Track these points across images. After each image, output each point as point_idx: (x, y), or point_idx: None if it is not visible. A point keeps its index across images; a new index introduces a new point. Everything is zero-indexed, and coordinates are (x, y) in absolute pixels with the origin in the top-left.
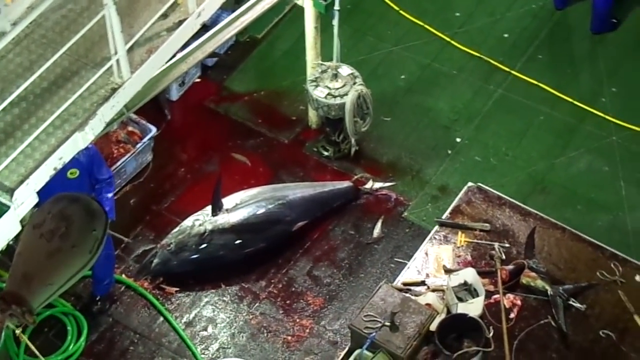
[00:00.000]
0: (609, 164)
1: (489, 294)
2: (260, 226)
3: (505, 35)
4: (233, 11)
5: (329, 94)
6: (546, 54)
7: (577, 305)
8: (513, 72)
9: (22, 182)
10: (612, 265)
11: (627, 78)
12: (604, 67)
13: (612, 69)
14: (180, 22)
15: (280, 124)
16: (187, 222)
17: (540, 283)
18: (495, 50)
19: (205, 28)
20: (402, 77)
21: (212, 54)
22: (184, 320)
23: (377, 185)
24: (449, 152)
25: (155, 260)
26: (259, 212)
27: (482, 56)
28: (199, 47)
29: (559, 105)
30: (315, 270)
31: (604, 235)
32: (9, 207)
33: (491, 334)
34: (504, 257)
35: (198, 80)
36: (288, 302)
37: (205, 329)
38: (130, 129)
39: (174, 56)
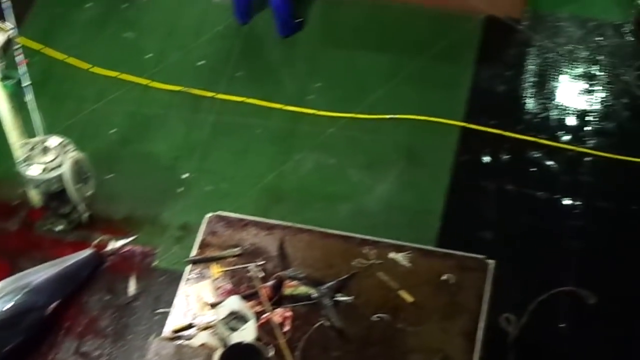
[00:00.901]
0: (334, 155)
1: (258, 315)
2: (11, 321)
3: (201, 63)
4: None
5: (44, 169)
6: (245, 70)
7: (344, 298)
8: (218, 95)
9: None
10: (365, 251)
11: (326, 70)
12: (302, 66)
13: (311, 66)
14: None
15: (3, 213)
16: None
17: (303, 289)
18: (196, 80)
19: None
20: (113, 131)
21: None
22: None
23: (119, 243)
24: (179, 190)
25: None
26: (6, 307)
27: (184, 89)
28: None
29: (271, 114)
30: (82, 347)
31: (349, 224)
32: None
33: (272, 353)
34: (262, 275)
35: None
36: None
37: None
38: None
39: None
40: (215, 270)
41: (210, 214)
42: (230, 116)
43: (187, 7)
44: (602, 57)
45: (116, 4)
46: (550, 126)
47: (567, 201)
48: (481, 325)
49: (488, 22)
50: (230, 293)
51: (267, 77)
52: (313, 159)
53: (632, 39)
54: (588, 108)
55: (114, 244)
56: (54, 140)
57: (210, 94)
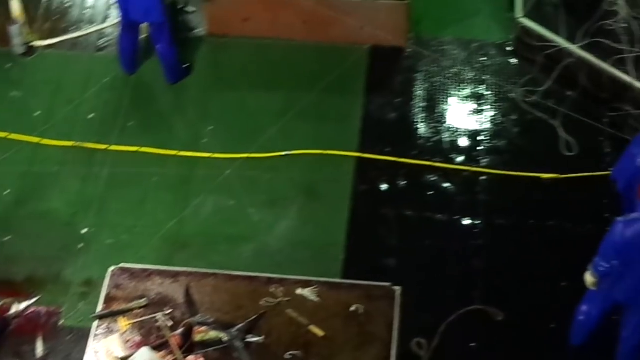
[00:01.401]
0: (233, 197)
1: None
2: None
3: (91, 116)
4: None
5: None
6: (136, 119)
7: (255, 339)
8: (111, 147)
9: None
10: (272, 290)
11: (218, 113)
12: (193, 111)
13: (202, 109)
14: None
15: None
16: None
17: (213, 334)
18: (88, 133)
19: None
20: (7, 192)
21: None
22: None
23: (23, 305)
24: (80, 246)
25: None
26: None
27: (76, 144)
28: None
29: (166, 162)
30: None
31: (254, 264)
32: None
33: None
34: (170, 324)
35: None
36: None
37: None
38: None
39: None
40: (123, 323)
41: (113, 267)
42: (125, 167)
43: (72, 62)
44: (488, 77)
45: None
46: (444, 149)
47: (466, 221)
48: (393, 352)
49: (373, 52)
50: (140, 345)
51: (160, 124)
52: (212, 202)
53: (515, 57)
54: (479, 128)
55: (18, 307)
56: None
57: (103, 147)
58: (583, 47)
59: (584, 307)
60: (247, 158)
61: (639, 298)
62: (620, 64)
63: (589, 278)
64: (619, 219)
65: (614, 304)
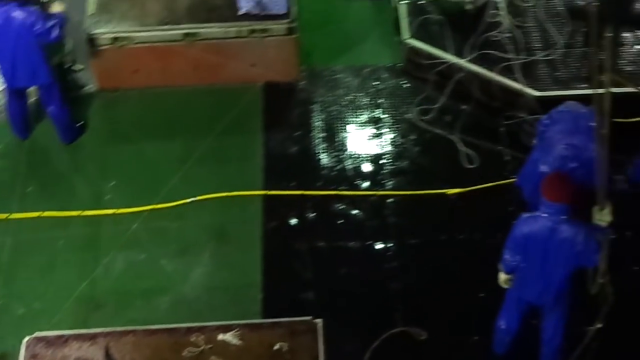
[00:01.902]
0: (143, 250)
1: None
2: None
3: None
4: None
5: None
6: (35, 184)
7: None
8: (12, 216)
9: None
10: (193, 339)
11: (118, 167)
12: (92, 168)
13: (101, 166)
14: None
15: None
16: None
17: None
18: None
19: None
20: None
21: None
22: None
23: None
24: None
25: None
26: None
27: None
28: None
29: (70, 223)
30: None
31: (173, 315)
32: None
33: None
34: None
35: None
36: None
37: None
38: None
39: None
40: None
41: (27, 338)
42: (29, 233)
43: None
44: (382, 100)
45: None
46: (348, 176)
47: (379, 245)
48: None
49: (267, 88)
50: None
51: (59, 186)
52: (122, 258)
53: (407, 78)
54: (380, 151)
55: None
56: None
57: (3, 216)
58: (471, 61)
59: (503, 315)
60: (153, 209)
61: (546, 298)
62: (509, 73)
63: (501, 276)
64: (524, 214)
65: (530, 307)
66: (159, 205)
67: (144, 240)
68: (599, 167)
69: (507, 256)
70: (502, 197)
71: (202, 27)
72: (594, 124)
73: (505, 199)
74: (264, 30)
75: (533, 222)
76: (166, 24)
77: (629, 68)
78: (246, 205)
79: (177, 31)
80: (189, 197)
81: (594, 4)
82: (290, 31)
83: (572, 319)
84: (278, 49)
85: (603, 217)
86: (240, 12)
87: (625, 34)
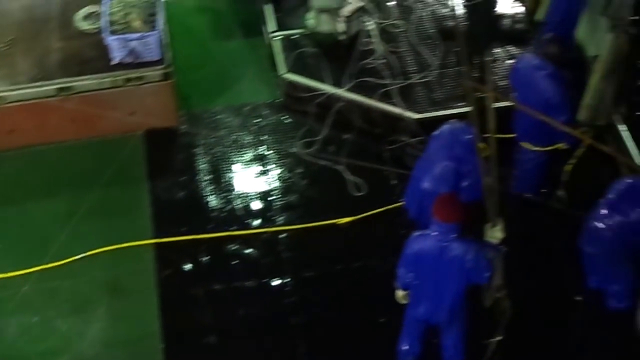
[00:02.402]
0: (36, 312)
1: None
2: None
3: None
4: None
5: None
6: None
7: None
8: None
9: None
10: None
11: (2, 230)
12: None
13: None
14: None
15: None
16: None
17: None
18: None
19: None
20: None
21: None
22: None
23: None
24: None
25: None
26: None
27: None
28: None
29: None
30: None
31: None
32: None
33: None
34: None
35: None
36: None
37: None
38: None
39: None
40: None
41: None
42: None
43: None
44: (266, 137)
45: None
46: (239, 216)
47: (276, 282)
48: None
49: (149, 136)
50: None
51: None
52: (15, 323)
53: (288, 112)
54: (268, 188)
55: None
56: None
57: None
58: (350, 90)
59: (404, 338)
60: (43, 269)
61: (440, 316)
62: (387, 98)
63: (398, 292)
64: (415, 232)
65: (428, 326)
66: (49, 265)
67: (36, 302)
68: (485, 185)
69: (400, 274)
70: (393, 221)
71: (76, 81)
72: (472, 139)
73: (396, 223)
74: (139, 78)
75: (423, 241)
76: (38, 80)
77: (502, 83)
78: (138, 255)
79: (50, 87)
80: (78, 254)
81: (462, 24)
82: (166, 77)
83: (472, 334)
84: (155, 95)
85: (494, 234)
86: (114, 62)
87: (496, 50)
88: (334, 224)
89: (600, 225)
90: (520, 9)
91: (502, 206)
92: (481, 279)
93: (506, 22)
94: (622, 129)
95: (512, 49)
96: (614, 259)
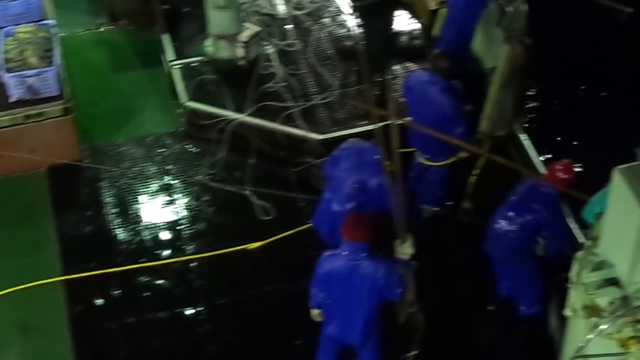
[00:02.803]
0: None
1: None
2: None
3: None
4: None
5: None
6: None
7: None
8: None
9: None
10: None
11: None
12: None
13: None
14: None
15: None
16: None
17: None
18: None
19: None
20: None
21: None
22: None
23: None
24: None
25: None
26: None
27: None
28: None
29: None
30: None
31: None
32: None
33: None
34: None
35: None
36: None
37: None
38: None
39: None
40: None
41: None
42: None
43: None
44: (170, 166)
45: None
46: (148, 247)
47: (189, 311)
48: None
49: (52, 172)
50: None
51: None
52: None
53: (191, 140)
54: (176, 218)
55: None
56: None
57: None
58: (252, 114)
59: (320, 357)
60: None
61: (353, 334)
62: (290, 121)
63: (312, 311)
64: (326, 252)
65: (343, 345)
66: None
67: None
68: (394, 201)
69: (312, 293)
70: (303, 243)
71: None
72: (378, 157)
73: (306, 244)
74: (39, 115)
75: (334, 261)
76: None
77: (402, 99)
78: (48, 293)
79: None
80: None
81: (361, 43)
82: (66, 112)
83: (388, 350)
84: (56, 131)
85: (404, 250)
86: (12, 100)
87: (395, 67)
88: (244, 249)
89: (504, 226)
90: (416, 25)
91: (410, 222)
92: (393, 296)
93: (404, 39)
94: (524, 137)
95: (411, 65)
96: (520, 260)
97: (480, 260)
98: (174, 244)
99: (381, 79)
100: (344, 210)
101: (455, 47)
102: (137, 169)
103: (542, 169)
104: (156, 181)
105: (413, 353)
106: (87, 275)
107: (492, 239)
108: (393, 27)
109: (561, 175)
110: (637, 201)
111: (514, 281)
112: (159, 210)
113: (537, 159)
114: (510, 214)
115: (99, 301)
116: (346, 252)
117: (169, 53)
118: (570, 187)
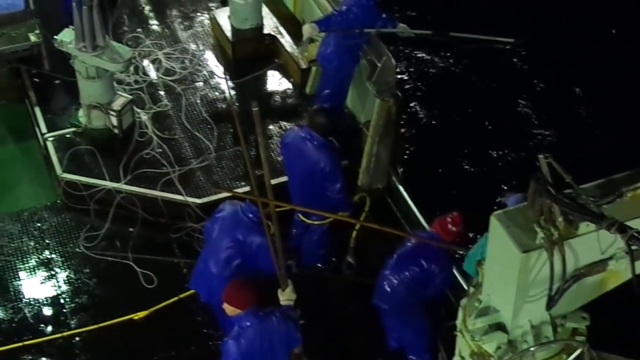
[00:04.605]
0: None
1: None
2: None
3: None
4: None
5: None
6: None
7: None
8: None
9: None
10: None
11: None
12: None
13: None
14: None
15: None
16: None
17: None
18: None
19: None
20: None
21: None
22: None
23: None
24: None
25: None
26: None
27: None
28: None
29: None
30: None
31: None
32: None
33: None
34: None
35: None
36: None
37: None
38: None
39: None
40: None
41: None
42: None
43: None
44: (49, 240)
45: None
46: (30, 324)
47: None
48: None
49: None
50: None
51: None
52: None
53: (69, 212)
54: (58, 292)
55: None
56: None
57: None
58: (129, 182)
59: None
60: None
61: None
62: (168, 187)
63: None
64: (227, 338)
65: None
66: None
67: None
68: (272, 254)
69: None
70: (188, 309)
71: None
72: (253, 216)
73: (192, 309)
74: None
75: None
76: None
77: (280, 158)
78: None
79: None
80: None
81: (235, 105)
82: None
83: None
84: None
85: (287, 297)
86: None
87: (270, 127)
88: (129, 319)
89: (391, 281)
90: (288, 84)
91: (289, 272)
92: (297, 341)
93: (277, 98)
94: (402, 189)
95: (286, 124)
96: (408, 312)
97: (366, 314)
98: (57, 320)
99: (256, 140)
100: (220, 273)
101: (331, 104)
102: (14, 245)
103: (422, 220)
104: (35, 256)
105: None
106: None
107: (381, 292)
108: (265, 87)
109: (452, 228)
110: (516, 245)
111: (403, 332)
112: (39, 285)
113: (417, 211)
114: (399, 267)
115: None
116: (246, 324)
117: (42, 126)
118: (460, 239)
